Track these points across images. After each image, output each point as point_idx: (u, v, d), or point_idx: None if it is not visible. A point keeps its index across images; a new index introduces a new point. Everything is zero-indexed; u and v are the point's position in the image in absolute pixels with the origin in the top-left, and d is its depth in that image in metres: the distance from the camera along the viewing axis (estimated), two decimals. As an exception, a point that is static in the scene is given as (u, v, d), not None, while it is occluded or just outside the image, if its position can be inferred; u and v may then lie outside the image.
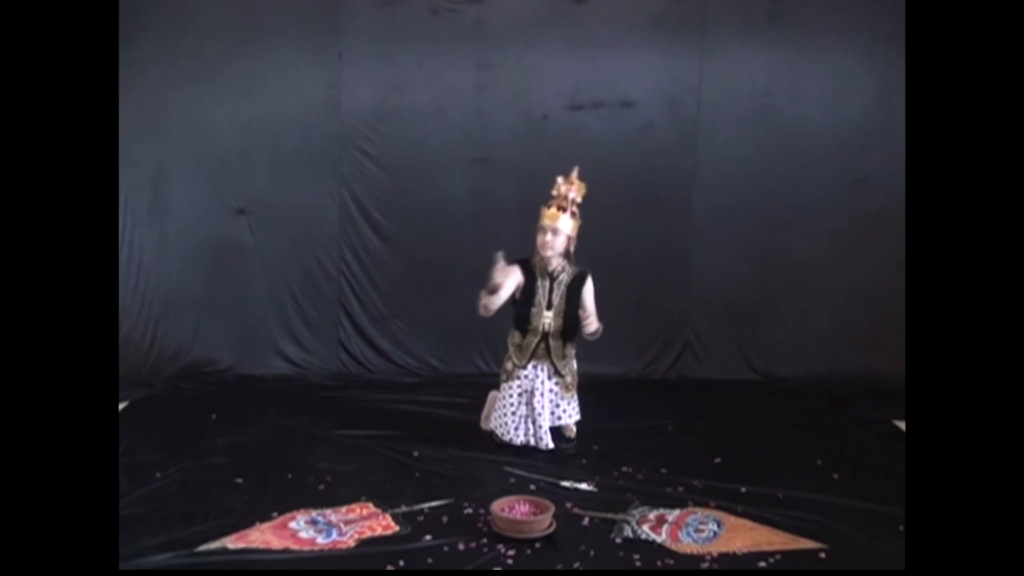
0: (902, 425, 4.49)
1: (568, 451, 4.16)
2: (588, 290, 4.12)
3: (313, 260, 5.33)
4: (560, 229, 4.01)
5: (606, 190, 5.17)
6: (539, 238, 4.04)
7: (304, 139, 5.21)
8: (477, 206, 5.27)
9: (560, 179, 4.08)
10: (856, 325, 5.23)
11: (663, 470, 3.92)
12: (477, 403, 4.53)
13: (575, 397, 4.22)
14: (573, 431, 4.26)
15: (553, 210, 4.03)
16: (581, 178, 4.09)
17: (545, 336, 4.09)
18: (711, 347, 5.39)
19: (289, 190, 5.24)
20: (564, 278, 4.09)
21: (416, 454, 4.08)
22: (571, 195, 4.05)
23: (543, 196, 5.06)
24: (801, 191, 5.22)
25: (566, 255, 4.09)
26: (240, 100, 5.15)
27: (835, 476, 3.89)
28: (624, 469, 3.94)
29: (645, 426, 4.51)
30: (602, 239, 5.05)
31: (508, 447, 4.13)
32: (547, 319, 4.08)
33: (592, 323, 4.05)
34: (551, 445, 4.10)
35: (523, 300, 4.09)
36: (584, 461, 4.03)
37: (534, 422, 4.10)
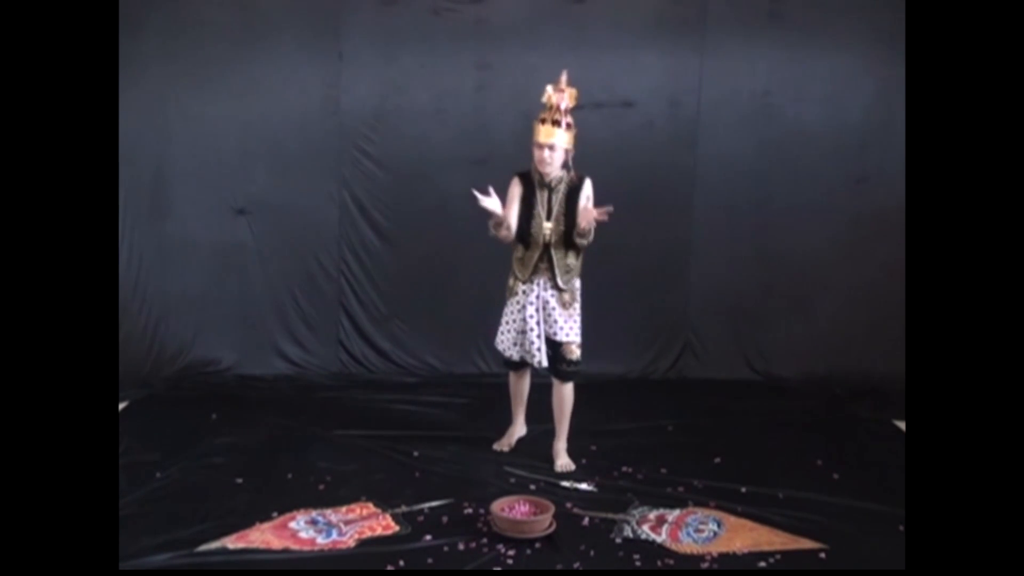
0: (902, 425, 4.49)
1: (569, 372, 3.99)
2: (586, 194, 3.98)
3: (313, 260, 5.33)
4: (556, 145, 3.89)
5: (606, 190, 5.17)
6: (536, 154, 3.93)
7: (304, 139, 5.21)
8: (477, 206, 5.25)
9: (550, 88, 3.93)
10: (856, 325, 5.23)
11: (663, 470, 3.92)
12: (477, 403, 4.53)
13: (577, 316, 4.02)
14: (575, 353, 3.98)
15: (548, 126, 3.89)
16: (571, 84, 3.94)
17: (547, 247, 3.97)
18: (711, 347, 5.39)
19: (289, 190, 5.23)
20: (562, 188, 3.98)
21: (416, 454, 4.09)
22: (562, 105, 3.91)
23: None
24: (801, 191, 5.22)
25: (565, 166, 3.98)
26: (240, 100, 5.15)
27: (835, 476, 3.89)
28: (624, 469, 3.94)
29: (645, 426, 4.52)
30: (602, 239, 5.04)
31: (506, 454, 4.13)
32: (547, 229, 3.96)
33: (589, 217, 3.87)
34: (544, 363, 3.94)
35: (523, 211, 3.99)
36: (584, 461, 4.03)
37: (525, 335, 3.96)
